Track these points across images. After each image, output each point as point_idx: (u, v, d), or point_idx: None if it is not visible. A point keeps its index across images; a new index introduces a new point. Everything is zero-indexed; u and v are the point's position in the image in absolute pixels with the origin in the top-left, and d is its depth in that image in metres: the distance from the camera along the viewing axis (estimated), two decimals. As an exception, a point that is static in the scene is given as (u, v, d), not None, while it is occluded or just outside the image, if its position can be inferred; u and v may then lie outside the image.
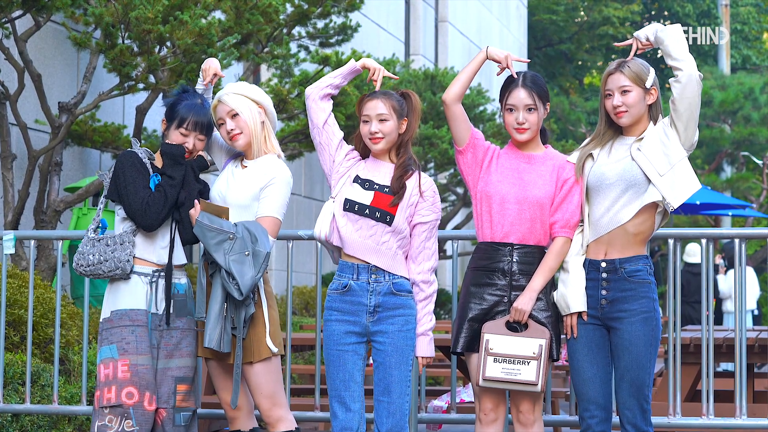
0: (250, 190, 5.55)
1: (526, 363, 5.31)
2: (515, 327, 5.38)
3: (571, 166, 5.51)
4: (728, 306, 16.72)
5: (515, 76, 5.48)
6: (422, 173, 5.51)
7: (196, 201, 5.49)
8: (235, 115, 5.56)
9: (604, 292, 5.36)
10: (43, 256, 9.44)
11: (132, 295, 5.45)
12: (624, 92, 5.38)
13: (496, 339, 5.35)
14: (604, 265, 5.38)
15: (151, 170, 5.53)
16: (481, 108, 16.97)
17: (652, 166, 5.33)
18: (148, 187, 5.44)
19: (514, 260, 5.42)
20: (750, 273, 16.82)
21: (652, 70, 5.42)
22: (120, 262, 5.42)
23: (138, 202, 5.41)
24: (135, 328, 5.40)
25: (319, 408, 6.88)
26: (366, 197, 5.41)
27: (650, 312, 5.34)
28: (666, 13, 40.23)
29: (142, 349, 5.38)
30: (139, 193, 5.42)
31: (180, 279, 5.57)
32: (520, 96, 5.45)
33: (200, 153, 5.64)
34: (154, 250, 5.51)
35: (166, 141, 5.56)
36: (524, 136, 5.48)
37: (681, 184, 5.35)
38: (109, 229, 5.68)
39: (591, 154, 5.47)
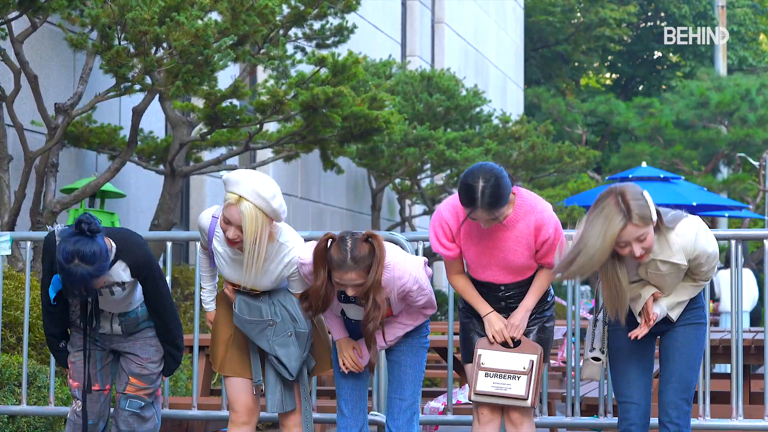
0: (273, 277, 5.55)
1: (516, 378, 5.34)
2: (508, 342, 5.40)
3: (547, 223, 5.33)
4: (724, 306, 16.68)
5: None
6: (388, 272, 5.32)
7: (226, 291, 5.61)
8: (242, 231, 5.42)
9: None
10: (39, 258, 9.42)
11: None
12: (640, 240, 5.11)
13: (488, 354, 5.39)
14: None
15: (62, 259, 5.36)
16: (477, 109, 16.98)
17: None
18: (48, 294, 5.66)
19: (507, 294, 5.47)
20: (748, 274, 16.77)
21: (649, 202, 5.13)
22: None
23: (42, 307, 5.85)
24: (74, 332, 5.89)
25: (315, 409, 6.87)
26: (358, 313, 5.42)
27: (702, 319, 5.44)
28: (662, 14, 40.26)
29: (77, 345, 5.83)
30: (43, 299, 5.76)
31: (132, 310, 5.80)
32: (482, 216, 5.25)
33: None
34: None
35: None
36: (490, 225, 5.33)
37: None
38: None
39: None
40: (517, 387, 5.33)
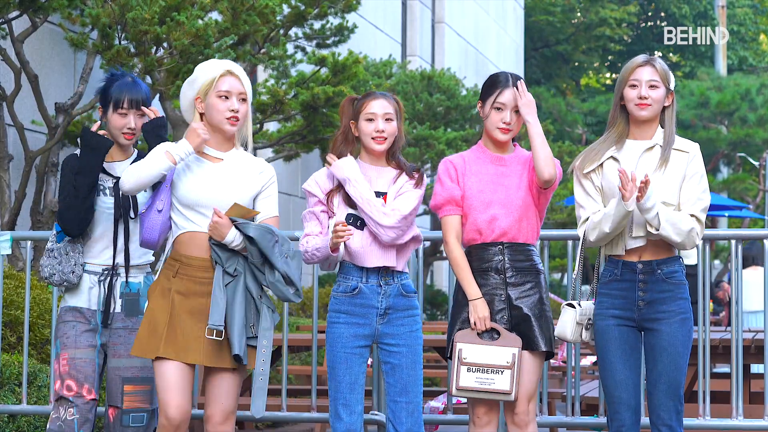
0: (250, 190, 5.23)
1: (500, 372, 5.30)
2: (488, 335, 5.36)
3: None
4: (747, 305, 16.47)
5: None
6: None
7: (216, 209, 5.07)
8: (243, 100, 5.21)
9: (641, 294, 5.32)
10: (39, 257, 9.43)
11: (79, 293, 5.42)
12: (652, 86, 5.33)
13: (468, 348, 5.33)
14: (640, 266, 5.33)
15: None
16: (478, 109, 16.98)
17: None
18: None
19: (506, 258, 5.41)
20: (760, 273, 16.64)
21: (672, 76, 5.43)
22: (64, 274, 5.38)
23: (59, 210, 5.39)
24: (76, 324, 5.39)
25: (315, 409, 6.88)
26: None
27: (687, 313, 5.34)
28: (663, 14, 40.29)
29: (80, 343, 5.37)
30: (61, 201, 5.37)
31: (136, 278, 5.45)
32: (510, 97, 5.45)
33: (158, 115, 5.44)
34: (99, 252, 5.42)
35: (95, 129, 5.42)
36: (507, 136, 5.48)
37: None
38: None
39: (615, 158, 5.37)
40: (501, 382, 5.29)
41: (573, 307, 5.42)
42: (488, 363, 5.31)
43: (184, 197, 5.14)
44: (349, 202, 5.38)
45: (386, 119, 5.39)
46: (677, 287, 5.34)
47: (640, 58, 5.42)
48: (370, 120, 5.39)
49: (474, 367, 5.32)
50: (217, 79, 5.16)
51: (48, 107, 9.74)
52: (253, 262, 5.13)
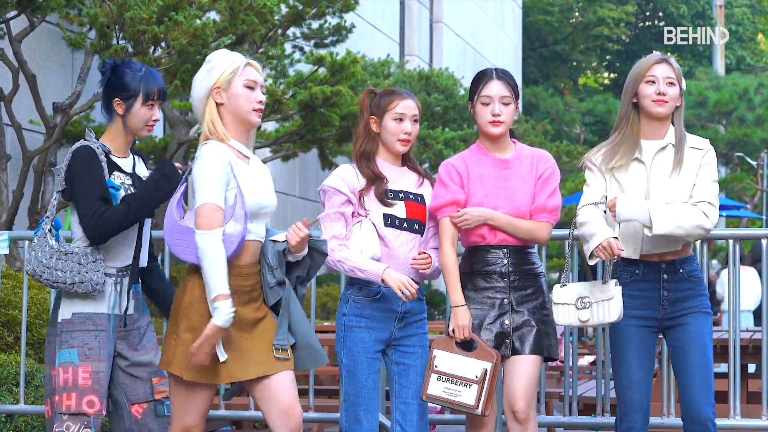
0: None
1: (468, 385, 5.24)
2: (466, 345, 5.32)
3: (549, 158, 5.44)
4: (744, 305, 16.51)
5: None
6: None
7: (305, 221, 4.92)
8: (262, 93, 4.99)
9: (665, 293, 5.32)
10: (37, 257, 9.42)
11: (101, 299, 5.02)
12: (669, 83, 5.30)
13: (442, 356, 5.27)
14: (664, 266, 5.33)
15: (107, 169, 5.02)
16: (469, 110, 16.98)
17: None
18: (103, 197, 4.93)
19: (510, 262, 5.37)
20: (752, 273, 16.68)
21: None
22: (97, 284, 4.93)
23: (89, 215, 4.90)
24: (98, 333, 4.97)
25: (313, 409, 6.87)
26: (399, 210, 5.35)
27: (708, 308, 5.37)
28: (660, 14, 40.31)
29: (104, 355, 4.97)
30: (92, 205, 4.90)
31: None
32: (495, 88, 5.33)
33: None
34: (117, 254, 5.05)
35: (128, 122, 5.02)
36: (499, 129, 5.35)
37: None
38: (65, 228, 5.20)
39: (639, 159, 5.34)
40: (468, 395, 5.22)
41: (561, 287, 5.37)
42: (458, 374, 5.24)
43: (252, 204, 4.90)
44: (383, 200, 5.31)
45: (414, 121, 5.36)
46: (698, 284, 5.37)
47: (656, 55, 5.40)
48: (399, 120, 5.32)
49: (444, 377, 5.25)
50: (243, 68, 4.91)
51: (46, 107, 9.74)
52: (300, 275, 5.04)
